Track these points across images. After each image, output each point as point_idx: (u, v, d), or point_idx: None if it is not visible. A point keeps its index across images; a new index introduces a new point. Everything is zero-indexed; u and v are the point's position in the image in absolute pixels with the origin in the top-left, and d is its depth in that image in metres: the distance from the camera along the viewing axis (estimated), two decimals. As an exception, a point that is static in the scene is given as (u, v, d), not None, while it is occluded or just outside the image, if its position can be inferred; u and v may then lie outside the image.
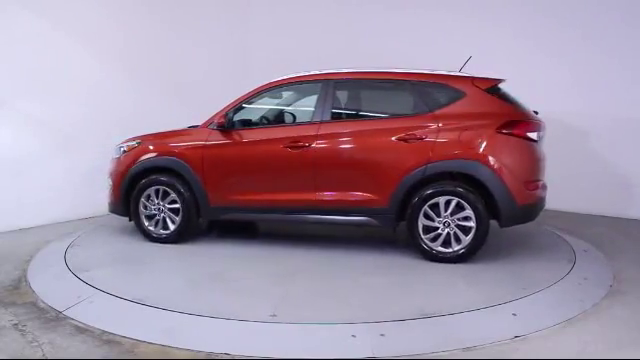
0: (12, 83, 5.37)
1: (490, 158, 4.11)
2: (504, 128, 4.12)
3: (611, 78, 5.89)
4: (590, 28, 5.95)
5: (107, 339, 2.96)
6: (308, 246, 4.71)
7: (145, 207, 4.89)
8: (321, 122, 4.48)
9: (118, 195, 4.97)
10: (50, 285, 3.84)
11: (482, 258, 4.40)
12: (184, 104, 6.81)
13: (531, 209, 4.28)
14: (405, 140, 4.24)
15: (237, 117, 4.75)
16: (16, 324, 3.18)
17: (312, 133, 4.46)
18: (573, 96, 6.05)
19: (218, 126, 4.67)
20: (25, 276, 4.04)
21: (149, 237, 4.90)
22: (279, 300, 3.44)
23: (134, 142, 5.06)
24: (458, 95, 4.29)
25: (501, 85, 4.47)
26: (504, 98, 4.34)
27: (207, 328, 3.08)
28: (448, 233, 4.17)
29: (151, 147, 4.94)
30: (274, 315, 3.17)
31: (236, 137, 4.68)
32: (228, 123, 4.66)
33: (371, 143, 4.37)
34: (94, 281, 3.76)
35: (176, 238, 4.84)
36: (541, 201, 4.36)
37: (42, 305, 3.47)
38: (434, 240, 4.21)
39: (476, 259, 4.34)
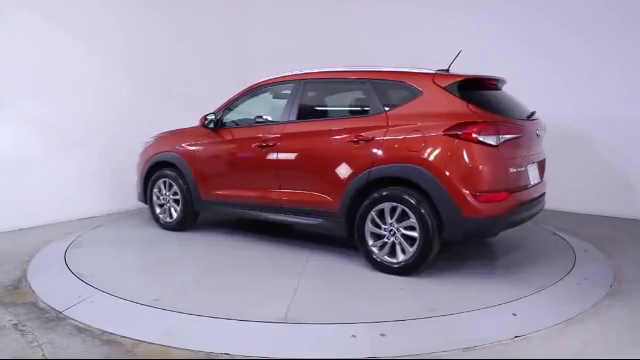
0: (13, 83, 5.37)
1: (433, 163, 3.72)
2: (452, 130, 3.70)
3: (610, 80, 5.89)
4: (589, 31, 5.95)
5: (107, 339, 2.96)
6: (284, 243, 4.84)
7: (157, 197, 5.48)
8: (286, 122, 4.58)
9: (141, 186, 5.62)
10: (50, 285, 3.84)
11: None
12: (186, 104, 6.81)
13: (484, 223, 3.73)
14: (355, 142, 4.07)
15: (225, 117, 5.05)
16: (16, 324, 3.17)
17: (277, 133, 4.57)
18: (573, 97, 6.05)
19: (201, 125, 5.10)
20: (25, 276, 4.04)
21: (159, 224, 5.47)
22: (177, 287, 3.74)
23: (151, 139, 5.62)
24: (415, 93, 3.98)
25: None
26: (470, 97, 3.86)
27: (207, 328, 3.09)
28: (394, 242, 3.92)
29: (161, 143, 5.50)
30: (156, 300, 3.40)
31: (220, 136, 5.01)
32: (215, 123, 4.99)
33: (324, 144, 4.29)
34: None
35: (178, 226, 5.34)
36: (506, 215, 3.76)
37: (42, 305, 3.47)
38: (381, 248, 3.98)
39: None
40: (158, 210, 5.46)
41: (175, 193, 5.27)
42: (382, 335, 2.95)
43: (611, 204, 5.99)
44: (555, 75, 6.14)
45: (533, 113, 4.34)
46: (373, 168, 3.96)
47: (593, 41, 5.93)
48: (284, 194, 4.52)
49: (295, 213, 4.50)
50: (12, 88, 5.38)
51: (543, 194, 4.39)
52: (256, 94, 5.03)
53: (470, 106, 3.78)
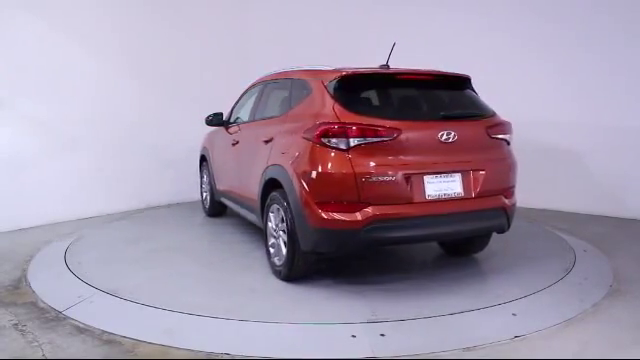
0: (12, 83, 5.37)
1: (292, 166, 3.55)
2: (308, 132, 3.48)
3: (610, 82, 5.89)
4: (587, 36, 5.96)
5: (107, 339, 2.96)
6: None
7: (203, 187, 6.34)
8: (244, 122, 4.99)
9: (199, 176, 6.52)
10: (50, 285, 3.84)
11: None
12: (188, 104, 6.81)
13: (331, 236, 3.37)
14: (266, 142, 4.07)
15: (231, 117, 5.44)
16: (16, 324, 3.18)
17: (239, 132, 4.98)
18: (573, 99, 6.06)
19: (207, 124, 5.59)
20: (25, 276, 4.04)
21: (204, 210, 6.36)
22: (101, 259, 4.36)
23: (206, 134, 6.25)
24: (307, 92, 3.80)
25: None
26: (343, 96, 3.52)
27: (207, 328, 3.09)
28: (278, 245, 3.81)
29: (205, 139, 6.20)
30: (80, 263, 4.16)
31: (224, 134, 5.41)
32: (221, 122, 5.47)
33: (252, 144, 4.45)
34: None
35: (210, 212, 6.14)
36: (359, 229, 3.26)
37: (42, 305, 3.47)
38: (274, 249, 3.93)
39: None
40: (203, 197, 6.32)
41: (208, 183, 6.05)
42: (382, 335, 2.95)
43: (611, 204, 6.00)
44: (556, 78, 6.15)
45: (458, 115, 3.72)
46: (267, 169, 3.96)
47: (594, 45, 5.95)
48: (239, 189, 4.85)
49: (245, 209, 4.74)
50: (12, 88, 5.38)
51: (485, 210, 3.64)
52: (246, 95, 5.32)
53: (335, 106, 3.46)
